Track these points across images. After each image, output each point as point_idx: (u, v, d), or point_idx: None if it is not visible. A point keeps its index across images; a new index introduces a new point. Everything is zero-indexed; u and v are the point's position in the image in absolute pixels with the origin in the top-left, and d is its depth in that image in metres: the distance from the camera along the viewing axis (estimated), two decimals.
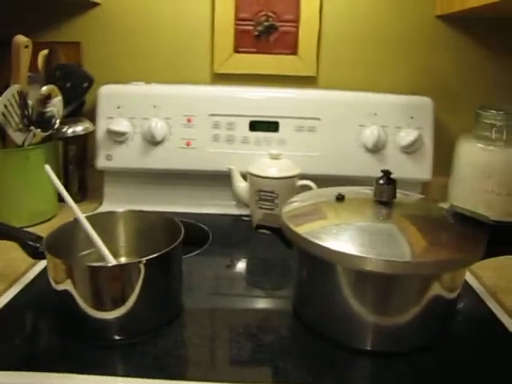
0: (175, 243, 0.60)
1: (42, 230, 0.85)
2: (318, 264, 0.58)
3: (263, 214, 0.87)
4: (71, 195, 0.65)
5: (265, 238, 0.83)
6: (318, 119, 0.98)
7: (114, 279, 0.57)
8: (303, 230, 0.58)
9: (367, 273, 0.54)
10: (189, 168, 1.00)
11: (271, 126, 0.99)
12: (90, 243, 0.64)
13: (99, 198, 1.05)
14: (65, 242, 0.65)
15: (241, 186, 0.95)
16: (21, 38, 0.81)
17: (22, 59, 0.82)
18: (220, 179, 1.00)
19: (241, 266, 0.81)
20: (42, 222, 0.91)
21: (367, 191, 0.65)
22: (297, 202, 0.68)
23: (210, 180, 1.02)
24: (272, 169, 0.91)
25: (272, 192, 0.89)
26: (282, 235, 0.63)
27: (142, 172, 1.02)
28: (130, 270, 0.57)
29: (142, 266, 0.57)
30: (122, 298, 0.56)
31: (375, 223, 0.61)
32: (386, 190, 0.62)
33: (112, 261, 0.63)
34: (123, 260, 0.70)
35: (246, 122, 0.99)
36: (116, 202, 1.02)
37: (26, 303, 0.66)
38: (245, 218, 0.99)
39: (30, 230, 0.84)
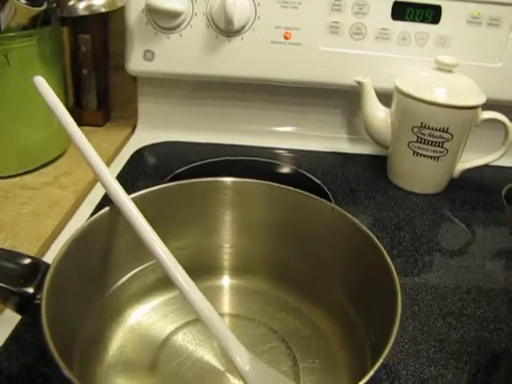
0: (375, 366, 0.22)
1: (46, 183, 0.52)
2: None
3: None
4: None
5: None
6: (508, 5, 0.57)
7: None
8: None
9: None
10: (286, 77, 0.61)
11: (428, 13, 0.58)
12: (146, 252, 0.28)
13: (130, 120, 0.68)
14: (87, 264, 0.29)
15: (379, 111, 0.56)
16: None
17: None
18: (331, 96, 0.65)
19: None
20: (43, 166, 0.54)
21: None
22: None
23: (316, 97, 0.65)
24: (443, 89, 0.51)
25: (444, 130, 0.51)
26: None
27: (204, 81, 0.64)
28: None
29: None
30: None
31: None
32: None
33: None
34: (225, 283, 0.35)
35: (386, 4, 0.58)
36: (156, 127, 0.67)
37: None
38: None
39: (27, 177, 0.52)
